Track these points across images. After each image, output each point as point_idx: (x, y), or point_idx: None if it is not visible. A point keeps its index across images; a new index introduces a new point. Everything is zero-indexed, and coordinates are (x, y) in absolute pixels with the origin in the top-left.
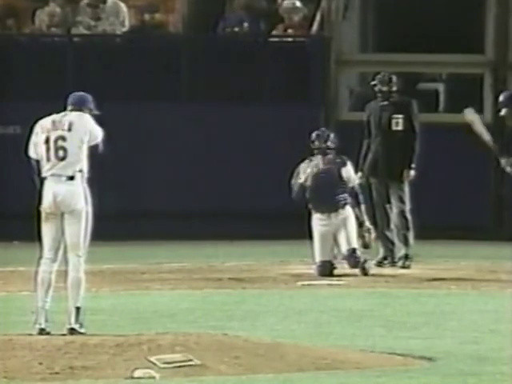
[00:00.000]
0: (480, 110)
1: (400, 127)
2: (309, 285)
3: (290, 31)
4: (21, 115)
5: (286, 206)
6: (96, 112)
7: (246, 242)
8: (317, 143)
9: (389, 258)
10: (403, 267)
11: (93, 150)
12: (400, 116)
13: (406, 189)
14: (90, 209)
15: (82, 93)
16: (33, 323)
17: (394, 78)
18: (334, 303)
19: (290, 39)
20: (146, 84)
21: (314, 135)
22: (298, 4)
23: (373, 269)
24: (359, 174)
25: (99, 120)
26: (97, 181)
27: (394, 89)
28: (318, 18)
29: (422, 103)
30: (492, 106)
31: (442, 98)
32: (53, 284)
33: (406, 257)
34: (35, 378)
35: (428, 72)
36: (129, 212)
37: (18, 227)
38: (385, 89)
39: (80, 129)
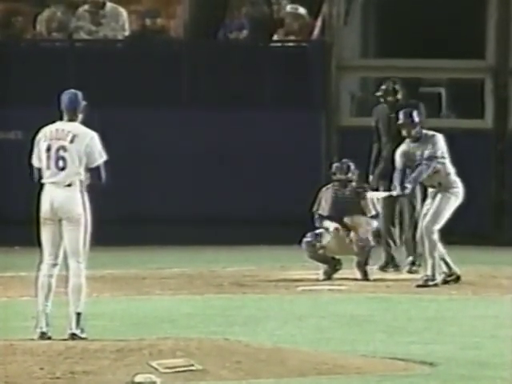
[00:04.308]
0: (481, 116)
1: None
2: (309, 290)
3: (290, 37)
4: (22, 120)
5: (286, 211)
6: (85, 103)
7: (246, 247)
8: (338, 175)
9: (390, 264)
10: (410, 272)
11: (93, 178)
12: None
13: (419, 194)
14: (88, 215)
15: (71, 93)
16: (34, 327)
17: (398, 86)
18: (334, 308)
19: (290, 44)
20: (146, 89)
21: (334, 167)
22: (301, 10)
23: (374, 274)
24: (370, 177)
25: (101, 125)
26: (97, 186)
27: (400, 97)
28: (319, 23)
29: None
30: (493, 112)
31: (443, 102)
32: (53, 288)
33: (413, 263)
34: (36, 383)
35: (429, 78)
36: (129, 217)
37: (19, 232)
38: (391, 99)
39: (81, 144)
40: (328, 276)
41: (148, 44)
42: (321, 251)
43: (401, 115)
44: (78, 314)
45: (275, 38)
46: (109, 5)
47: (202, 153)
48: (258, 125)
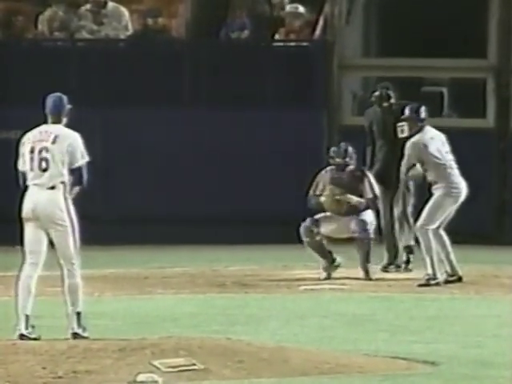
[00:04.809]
0: (483, 115)
1: (405, 133)
2: (311, 289)
3: (291, 36)
4: (23, 120)
5: (288, 210)
6: (70, 106)
7: (248, 246)
8: (336, 159)
9: (393, 264)
10: (406, 270)
11: (75, 180)
12: (404, 123)
13: (412, 189)
14: (73, 217)
15: (56, 97)
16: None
17: (391, 91)
18: (336, 307)
19: (292, 44)
20: (148, 88)
21: (332, 151)
22: (301, 9)
23: (376, 273)
24: None
25: (102, 125)
26: (99, 186)
27: (393, 101)
28: (320, 22)
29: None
30: (495, 111)
31: (445, 101)
32: (33, 291)
33: (408, 261)
34: (38, 383)
35: (431, 77)
36: (131, 217)
37: (20, 232)
38: (385, 104)
39: (63, 144)
40: (328, 272)
41: (150, 43)
42: (318, 238)
43: (407, 110)
44: (78, 314)
45: (277, 37)
46: (110, 4)
47: (204, 152)
48: (259, 124)
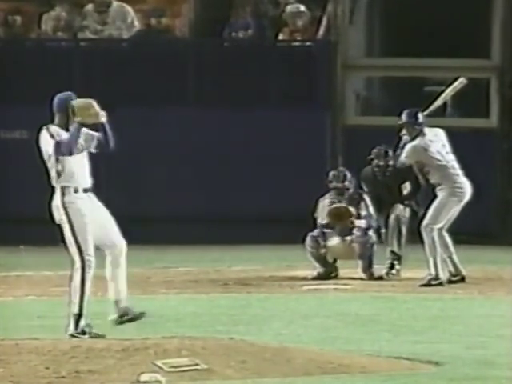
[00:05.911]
0: (486, 115)
1: (408, 189)
2: (315, 289)
3: (295, 35)
4: (27, 120)
5: (291, 210)
6: (73, 102)
7: (251, 246)
8: (334, 183)
9: (394, 269)
10: (388, 275)
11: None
12: (406, 183)
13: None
14: (72, 217)
15: (60, 95)
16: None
17: (390, 152)
18: (340, 307)
19: (296, 44)
20: (152, 88)
21: (331, 175)
22: (302, 8)
23: (380, 273)
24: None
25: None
26: (104, 185)
27: (391, 163)
28: (324, 22)
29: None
30: (498, 111)
31: (448, 102)
32: (87, 291)
33: (392, 267)
34: (41, 383)
35: (434, 76)
36: (135, 216)
37: (24, 232)
38: (381, 163)
39: (39, 144)
40: (319, 278)
41: (153, 43)
42: (323, 251)
43: (404, 115)
44: (74, 315)
45: (280, 37)
46: (115, 3)
47: (207, 151)
48: (263, 124)
